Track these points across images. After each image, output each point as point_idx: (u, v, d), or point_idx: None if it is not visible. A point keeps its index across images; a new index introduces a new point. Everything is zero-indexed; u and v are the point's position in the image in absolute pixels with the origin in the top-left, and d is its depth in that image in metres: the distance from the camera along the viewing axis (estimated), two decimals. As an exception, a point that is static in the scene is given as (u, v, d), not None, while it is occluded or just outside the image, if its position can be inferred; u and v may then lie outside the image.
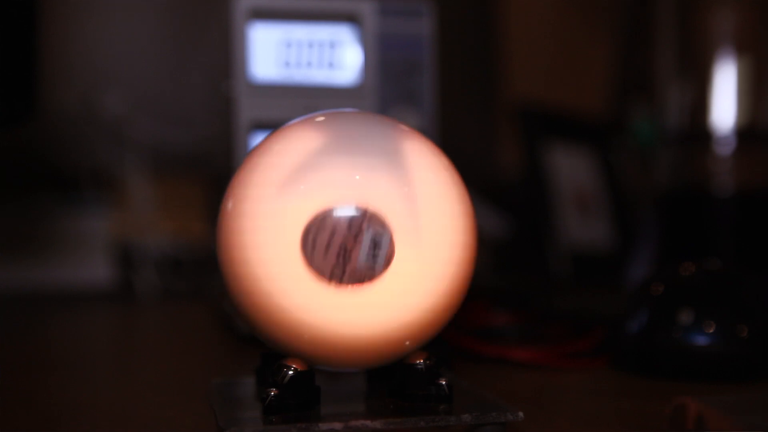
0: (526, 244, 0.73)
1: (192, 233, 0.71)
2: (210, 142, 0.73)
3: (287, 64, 0.43)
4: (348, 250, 0.24)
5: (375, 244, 0.24)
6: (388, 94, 0.46)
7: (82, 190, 0.71)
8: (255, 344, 0.33)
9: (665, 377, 0.35)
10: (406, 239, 0.24)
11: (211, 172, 0.70)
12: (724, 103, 0.60)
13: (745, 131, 0.60)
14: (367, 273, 0.24)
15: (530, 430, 0.27)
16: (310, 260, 0.24)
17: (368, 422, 0.24)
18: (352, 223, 0.24)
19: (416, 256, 0.24)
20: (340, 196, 0.24)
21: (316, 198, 0.24)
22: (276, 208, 0.24)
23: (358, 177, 0.24)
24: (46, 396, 0.33)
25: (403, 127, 0.26)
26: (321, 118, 0.26)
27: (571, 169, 0.74)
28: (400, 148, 0.25)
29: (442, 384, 0.26)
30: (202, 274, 0.68)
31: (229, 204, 0.25)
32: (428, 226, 0.25)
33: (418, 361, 0.26)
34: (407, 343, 0.25)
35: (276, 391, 0.25)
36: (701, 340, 0.34)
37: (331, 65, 0.43)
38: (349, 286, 0.24)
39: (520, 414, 0.25)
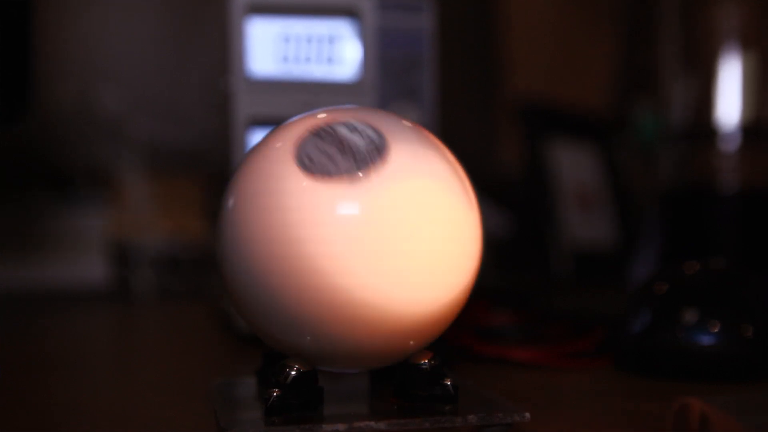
0: (527, 243, 0.73)
1: (190, 232, 0.71)
2: (208, 140, 0.72)
3: (285, 59, 0.43)
4: (344, 144, 0.24)
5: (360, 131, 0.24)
6: (388, 90, 0.45)
7: (79, 188, 0.71)
8: (255, 344, 0.33)
9: (667, 377, 0.34)
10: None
11: (209, 170, 0.70)
12: (729, 100, 0.60)
13: (750, 128, 0.60)
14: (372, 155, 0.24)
15: (531, 430, 0.27)
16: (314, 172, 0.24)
17: (372, 423, 0.24)
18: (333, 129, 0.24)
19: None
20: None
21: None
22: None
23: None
24: (46, 396, 0.33)
25: (408, 122, 0.26)
26: (323, 115, 0.26)
27: (572, 167, 0.74)
28: (422, 136, 0.25)
29: (447, 384, 0.26)
30: (201, 274, 0.67)
31: (230, 201, 0.25)
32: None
33: (422, 361, 0.26)
34: (411, 342, 0.25)
35: (278, 392, 0.25)
36: (705, 340, 0.34)
37: (330, 60, 0.43)
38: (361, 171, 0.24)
39: (527, 415, 0.25)
